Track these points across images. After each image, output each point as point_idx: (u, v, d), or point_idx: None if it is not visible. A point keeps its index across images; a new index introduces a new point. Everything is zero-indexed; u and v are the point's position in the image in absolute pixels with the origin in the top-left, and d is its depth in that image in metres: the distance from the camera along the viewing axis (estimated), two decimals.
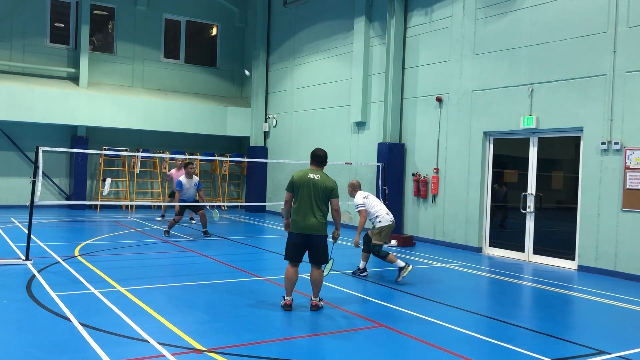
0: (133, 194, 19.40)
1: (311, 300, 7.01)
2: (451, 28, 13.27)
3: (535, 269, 10.72)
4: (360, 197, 9.15)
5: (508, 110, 11.91)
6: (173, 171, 15.42)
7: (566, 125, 10.89)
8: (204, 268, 9.66)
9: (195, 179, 13.08)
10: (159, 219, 16.43)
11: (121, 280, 8.15)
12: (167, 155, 16.51)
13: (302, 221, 6.82)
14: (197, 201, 13.29)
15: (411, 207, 14.22)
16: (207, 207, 13.82)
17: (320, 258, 6.93)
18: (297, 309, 7.00)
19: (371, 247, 9.15)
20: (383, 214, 9.17)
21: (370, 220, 9.26)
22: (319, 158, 7.14)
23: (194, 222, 15.94)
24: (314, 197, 6.85)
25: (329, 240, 7.10)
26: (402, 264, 8.80)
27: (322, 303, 7.05)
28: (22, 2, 18.06)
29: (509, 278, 9.71)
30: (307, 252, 6.99)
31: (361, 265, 9.30)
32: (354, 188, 9.38)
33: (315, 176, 6.92)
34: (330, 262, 7.32)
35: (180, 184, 12.79)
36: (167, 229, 13.13)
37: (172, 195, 15.10)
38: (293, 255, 6.95)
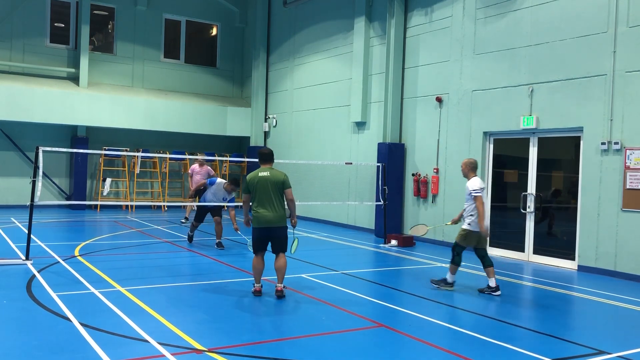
0: (133, 194, 19.40)
1: (276, 286, 7.53)
2: (451, 28, 13.27)
3: (535, 269, 10.72)
4: (478, 182, 8.25)
5: (508, 110, 11.91)
6: (195, 166, 15.08)
7: (566, 125, 10.89)
8: (204, 268, 9.66)
9: (226, 193, 11.73)
10: (183, 221, 15.93)
11: (121, 280, 8.15)
12: (167, 155, 16.50)
13: (262, 216, 7.48)
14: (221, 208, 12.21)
15: (411, 207, 14.22)
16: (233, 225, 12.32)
17: (282, 246, 7.64)
18: (297, 309, 7.00)
19: (456, 247, 8.38)
20: (475, 218, 8.19)
21: (465, 215, 8.36)
22: (265, 156, 7.70)
23: (183, 222, 15.68)
24: (270, 192, 7.48)
25: (289, 230, 7.76)
26: (450, 280, 8.31)
27: (285, 290, 7.64)
28: (22, 2, 18.06)
29: (509, 278, 9.71)
30: (269, 243, 7.68)
31: (449, 278, 8.42)
32: (472, 169, 8.39)
33: (265, 173, 7.51)
34: (295, 241, 8.17)
35: (213, 181, 11.66)
36: (189, 233, 12.15)
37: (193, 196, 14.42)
38: (257, 247, 7.65)
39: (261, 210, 7.47)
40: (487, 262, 8.26)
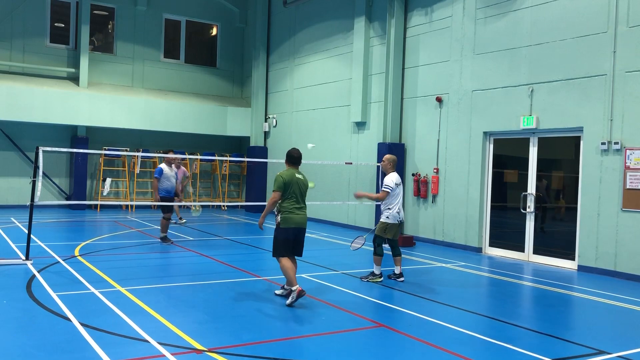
0: (133, 194, 19.40)
1: (297, 287, 7.19)
2: (451, 28, 13.27)
3: (535, 269, 10.72)
4: (392, 180, 8.84)
5: (508, 110, 11.91)
6: (163, 165, 15.28)
7: (566, 125, 10.89)
8: (204, 268, 9.66)
9: (174, 169, 12.36)
10: (178, 223, 15.77)
11: (121, 280, 8.15)
12: (167, 155, 16.47)
13: (297, 217, 7.38)
14: (177, 195, 12.53)
15: (411, 207, 14.22)
16: (186, 207, 12.69)
17: (302, 249, 7.59)
18: (297, 309, 7.00)
19: (376, 239, 8.90)
20: (394, 212, 8.81)
21: (382, 209, 8.99)
22: (297, 159, 7.74)
23: (183, 221, 15.64)
24: (303, 194, 7.54)
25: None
26: (377, 271, 8.83)
27: (286, 291, 7.48)
28: (22, 2, 18.06)
29: (509, 278, 9.71)
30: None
31: (376, 270, 8.93)
32: (393, 165, 9.07)
33: (300, 176, 7.58)
34: None
35: (160, 170, 11.91)
36: (163, 234, 12.06)
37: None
38: (287, 249, 7.40)
39: (296, 211, 7.40)
40: (396, 252, 9.04)
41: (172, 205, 12.17)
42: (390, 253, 9.15)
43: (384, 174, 9.15)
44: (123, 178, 19.49)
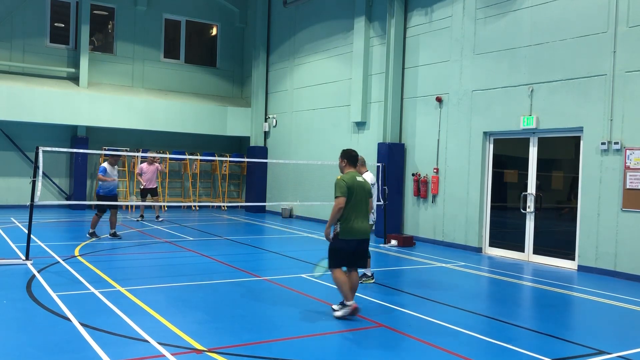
0: (133, 194, 19.40)
1: (353, 304, 6.62)
2: (451, 28, 13.27)
3: (535, 269, 10.72)
4: (369, 177, 8.66)
5: (508, 110, 11.91)
6: (144, 165, 15.86)
7: (566, 125, 10.89)
8: (204, 268, 9.65)
9: (116, 168, 12.56)
10: (138, 219, 16.14)
11: (121, 280, 8.15)
12: (167, 155, 16.51)
13: (360, 227, 6.65)
14: (117, 195, 12.86)
15: (411, 207, 14.22)
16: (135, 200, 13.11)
17: (365, 261, 6.84)
18: (297, 309, 7.00)
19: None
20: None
21: None
22: (355, 159, 7.00)
23: (138, 219, 16.07)
24: (365, 200, 6.77)
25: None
26: (369, 272, 8.59)
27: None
28: (22, 2, 18.06)
29: (509, 278, 9.71)
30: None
31: (368, 272, 8.82)
32: (362, 164, 8.68)
33: (361, 179, 6.81)
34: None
35: (104, 169, 12.10)
36: (92, 230, 12.33)
37: (144, 195, 15.99)
38: (344, 261, 6.71)
39: (358, 221, 6.62)
40: (367, 254, 8.60)
41: (110, 205, 12.41)
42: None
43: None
44: (123, 178, 19.48)
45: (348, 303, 6.54)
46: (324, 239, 7.00)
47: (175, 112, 19.36)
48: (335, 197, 6.55)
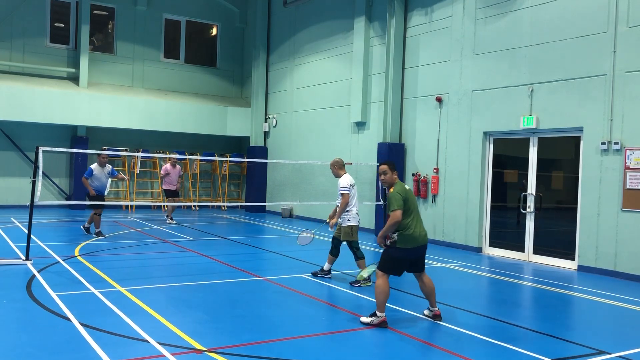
0: (133, 194, 19.40)
1: (435, 310, 6.76)
2: (451, 28, 13.27)
3: (535, 269, 10.72)
4: (347, 180, 8.76)
5: (508, 110, 11.91)
6: (168, 166, 15.66)
7: (566, 125, 10.89)
8: (204, 268, 9.65)
9: (108, 167, 12.44)
10: (169, 222, 15.76)
11: (121, 280, 8.15)
12: (167, 155, 16.51)
13: (420, 235, 6.59)
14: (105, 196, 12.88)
15: None
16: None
17: (424, 265, 6.83)
18: (297, 309, 7.00)
19: (352, 244, 8.72)
20: (354, 213, 8.76)
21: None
22: (395, 167, 6.98)
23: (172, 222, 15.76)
24: (417, 206, 6.83)
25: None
26: (366, 274, 8.46)
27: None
28: (22, 2, 18.06)
29: (509, 278, 9.71)
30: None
31: (326, 267, 8.98)
32: (341, 167, 8.96)
33: (408, 187, 6.89)
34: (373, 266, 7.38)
35: (90, 171, 12.05)
36: (98, 230, 12.51)
37: (169, 195, 15.79)
38: (398, 269, 6.64)
39: (418, 229, 6.57)
40: (359, 255, 8.74)
41: (103, 204, 12.57)
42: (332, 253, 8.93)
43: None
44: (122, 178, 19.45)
45: (379, 314, 6.39)
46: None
47: (175, 112, 19.36)
48: (392, 211, 6.47)
